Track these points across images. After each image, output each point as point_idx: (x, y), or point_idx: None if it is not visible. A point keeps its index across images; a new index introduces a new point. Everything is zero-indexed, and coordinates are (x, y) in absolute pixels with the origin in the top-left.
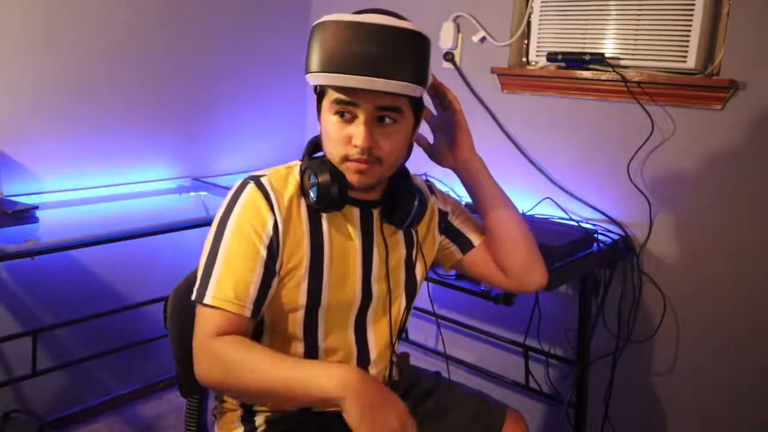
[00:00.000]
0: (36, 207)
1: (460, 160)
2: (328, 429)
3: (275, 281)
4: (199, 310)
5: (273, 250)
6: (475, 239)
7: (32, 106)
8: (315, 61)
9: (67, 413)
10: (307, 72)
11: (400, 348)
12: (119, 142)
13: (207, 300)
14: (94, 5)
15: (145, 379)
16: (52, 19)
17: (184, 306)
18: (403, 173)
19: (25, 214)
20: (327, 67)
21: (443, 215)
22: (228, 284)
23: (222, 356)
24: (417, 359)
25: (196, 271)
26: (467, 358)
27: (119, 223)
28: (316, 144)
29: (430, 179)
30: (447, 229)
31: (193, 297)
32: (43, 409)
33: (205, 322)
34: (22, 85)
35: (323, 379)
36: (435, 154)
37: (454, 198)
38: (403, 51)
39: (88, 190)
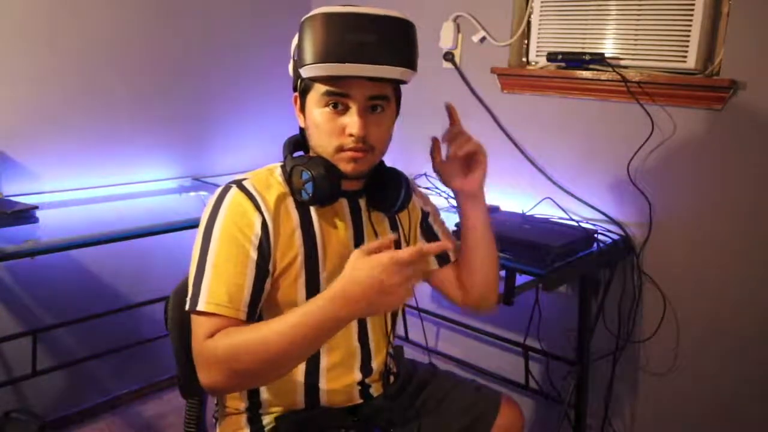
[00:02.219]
0: (36, 207)
1: (470, 190)
2: (336, 424)
3: (269, 282)
4: (194, 319)
5: (264, 250)
6: (452, 255)
7: (32, 106)
8: (310, 53)
9: (67, 413)
10: (301, 66)
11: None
12: (119, 142)
13: (201, 307)
14: (94, 6)
15: (145, 379)
16: (52, 20)
17: (184, 305)
18: (380, 162)
19: (25, 214)
20: (324, 58)
21: (425, 215)
22: (221, 289)
23: (221, 349)
24: (418, 359)
25: None
26: (467, 358)
27: (119, 223)
28: (294, 143)
29: (431, 179)
30: (427, 231)
31: (187, 307)
32: (43, 409)
33: (202, 328)
34: (23, 86)
35: (326, 303)
36: (444, 171)
37: (432, 201)
38: (395, 37)
39: (88, 190)
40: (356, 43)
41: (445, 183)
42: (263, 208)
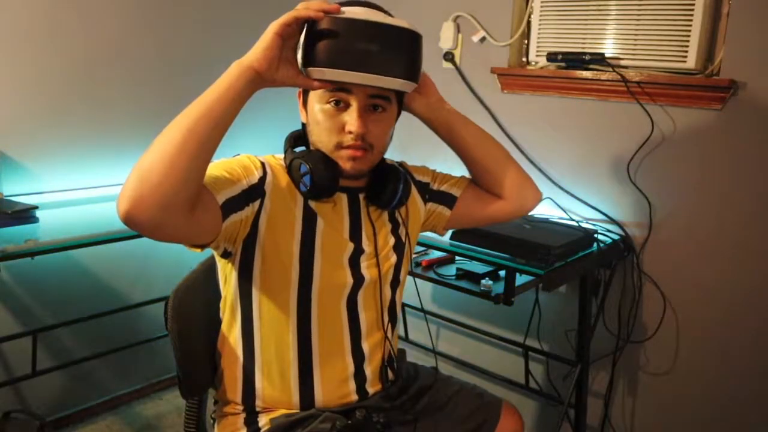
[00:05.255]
0: (36, 207)
1: (433, 101)
2: (331, 426)
3: (248, 212)
4: None
5: (254, 192)
6: (456, 191)
7: (33, 106)
8: (314, 56)
9: (67, 413)
10: (305, 66)
11: (398, 347)
12: (119, 142)
13: None
14: (95, 7)
15: (145, 379)
16: (53, 20)
17: (184, 306)
18: (381, 160)
19: (25, 214)
20: (327, 64)
21: (425, 186)
22: (212, 170)
23: (137, 164)
24: (418, 359)
25: (195, 272)
26: (467, 358)
27: (119, 223)
28: (296, 138)
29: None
30: (432, 197)
31: None
32: (43, 409)
33: None
34: (23, 86)
35: (231, 68)
36: (404, 102)
37: (426, 167)
38: (400, 49)
39: (88, 189)
40: (361, 51)
41: (411, 109)
42: (268, 172)
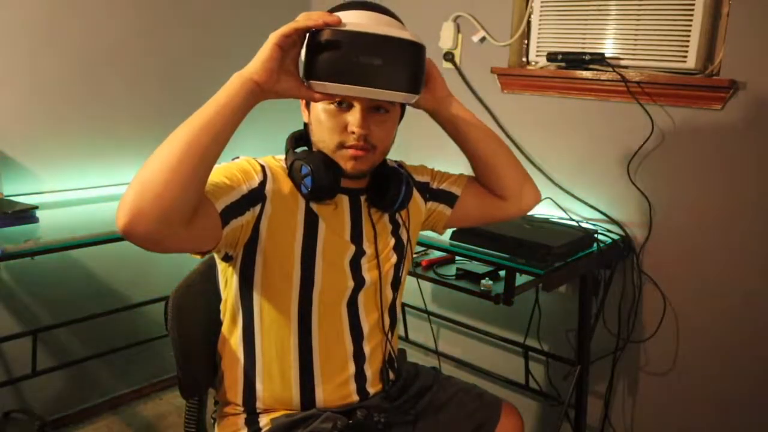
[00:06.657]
0: (36, 207)
1: (440, 96)
2: (332, 427)
3: (249, 217)
4: None
5: (255, 196)
6: (457, 190)
7: (33, 106)
8: (315, 69)
9: (67, 413)
10: (306, 76)
11: (398, 347)
12: (120, 142)
13: None
14: (96, 6)
15: (145, 379)
16: (53, 19)
17: (184, 306)
18: (383, 161)
19: (25, 214)
20: (328, 78)
21: (424, 186)
22: (211, 176)
23: (136, 176)
24: (418, 360)
25: (195, 272)
26: (467, 358)
27: None
28: (297, 139)
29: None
30: (432, 196)
31: None
32: (43, 409)
33: None
34: (23, 86)
35: (231, 80)
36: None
37: (425, 166)
38: (404, 62)
39: (88, 190)
40: (363, 65)
41: (419, 104)
42: (269, 175)
